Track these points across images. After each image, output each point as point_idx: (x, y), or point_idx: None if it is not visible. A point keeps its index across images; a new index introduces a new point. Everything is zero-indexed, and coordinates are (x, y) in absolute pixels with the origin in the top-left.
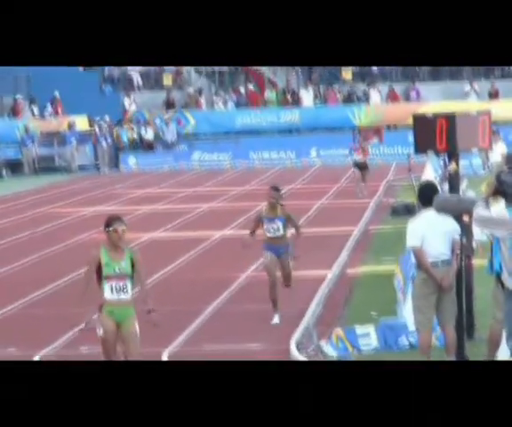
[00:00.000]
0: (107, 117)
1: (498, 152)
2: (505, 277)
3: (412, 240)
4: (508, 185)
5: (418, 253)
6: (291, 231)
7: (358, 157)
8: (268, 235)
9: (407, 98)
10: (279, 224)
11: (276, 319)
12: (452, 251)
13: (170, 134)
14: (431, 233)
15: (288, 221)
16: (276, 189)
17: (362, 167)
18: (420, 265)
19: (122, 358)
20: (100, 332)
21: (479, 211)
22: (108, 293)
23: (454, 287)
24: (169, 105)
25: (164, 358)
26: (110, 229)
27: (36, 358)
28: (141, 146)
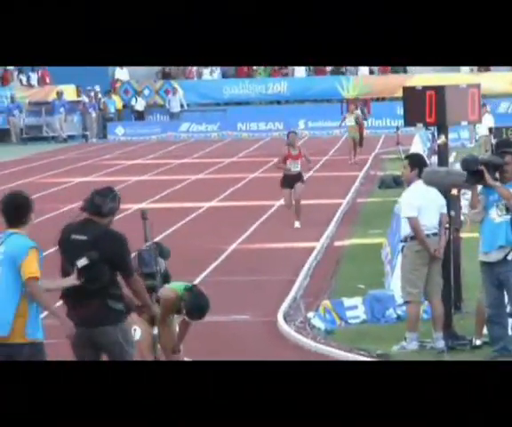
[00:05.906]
0: (96, 87)
1: (485, 125)
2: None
3: (408, 210)
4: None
5: (415, 224)
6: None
7: (292, 165)
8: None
9: (395, 70)
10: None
11: None
12: (440, 224)
13: (175, 105)
14: (426, 205)
15: None
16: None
17: (295, 180)
18: (416, 236)
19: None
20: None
21: None
22: None
23: (441, 260)
24: (164, 75)
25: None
26: None
27: None
28: (132, 116)
